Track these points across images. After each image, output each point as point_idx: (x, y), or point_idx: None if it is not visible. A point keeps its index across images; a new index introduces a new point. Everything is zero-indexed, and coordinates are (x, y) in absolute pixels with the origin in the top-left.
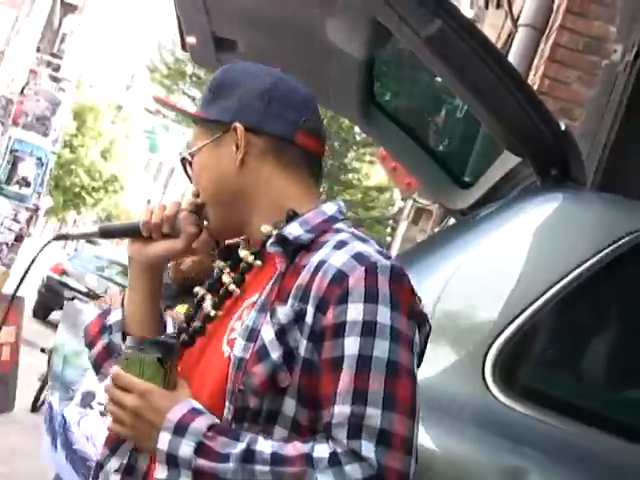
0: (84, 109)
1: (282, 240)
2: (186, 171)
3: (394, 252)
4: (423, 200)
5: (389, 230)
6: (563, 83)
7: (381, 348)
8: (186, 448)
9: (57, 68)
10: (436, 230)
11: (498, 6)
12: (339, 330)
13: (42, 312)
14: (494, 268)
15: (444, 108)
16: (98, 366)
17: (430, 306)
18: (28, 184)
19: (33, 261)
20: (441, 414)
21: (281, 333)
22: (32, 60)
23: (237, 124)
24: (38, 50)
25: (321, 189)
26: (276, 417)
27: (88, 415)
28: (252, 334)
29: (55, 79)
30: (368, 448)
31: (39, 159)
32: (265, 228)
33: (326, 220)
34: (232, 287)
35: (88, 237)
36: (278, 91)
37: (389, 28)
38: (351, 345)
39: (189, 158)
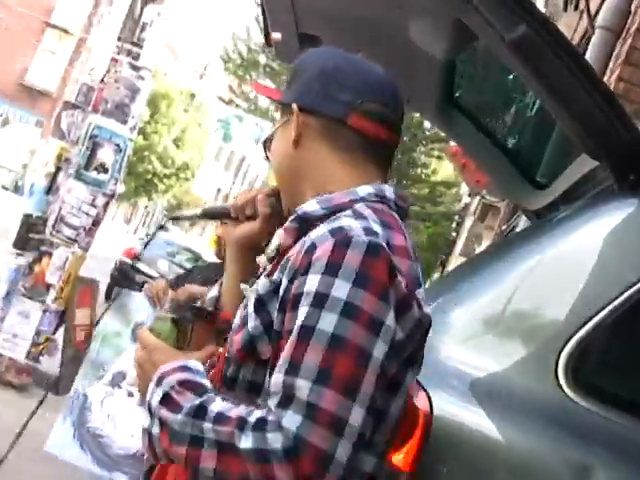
0: (157, 96)
1: (297, 217)
2: (267, 155)
3: (459, 247)
4: (491, 197)
5: (454, 225)
6: (638, 86)
7: (327, 321)
8: (156, 398)
9: (137, 57)
10: (503, 227)
11: (576, 7)
12: (296, 301)
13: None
14: (569, 271)
15: (521, 109)
16: None
17: (503, 305)
18: (106, 170)
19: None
20: (514, 410)
21: (259, 304)
22: (113, 49)
23: (293, 105)
24: (119, 39)
25: (390, 182)
26: (259, 389)
27: (114, 395)
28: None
29: (135, 67)
30: (293, 420)
31: (117, 145)
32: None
33: (352, 200)
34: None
35: (192, 219)
36: (339, 72)
37: (473, 30)
38: (300, 315)
39: (268, 143)
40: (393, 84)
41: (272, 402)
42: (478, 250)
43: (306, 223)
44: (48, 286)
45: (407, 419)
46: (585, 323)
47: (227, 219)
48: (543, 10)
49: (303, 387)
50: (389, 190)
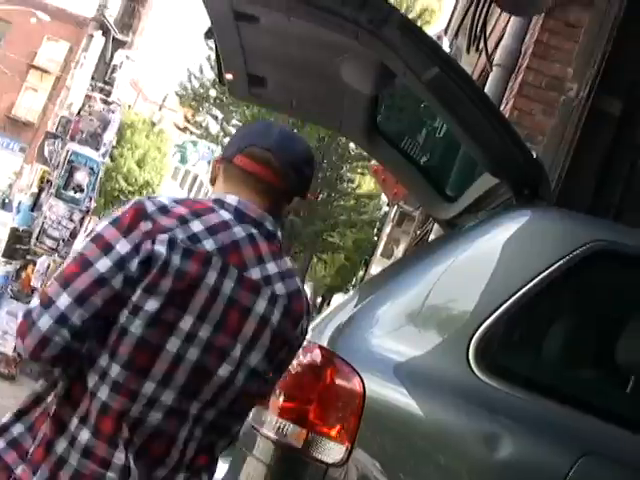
0: (123, 125)
1: None
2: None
3: (380, 249)
4: (407, 207)
5: (376, 231)
6: (529, 114)
7: (82, 244)
8: None
9: (108, 93)
10: (418, 232)
11: (477, 49)
12: None
13: None
14: (476, 271)
15: (431, 133)
16: None
17: (422, 301)
18: (82, 190)
19: None
20: (432, 389)
21: None
22: (87, 87)
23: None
24: (92, 78)
25: (321, 195)
26: None
27: None
28: None
29: (106, 102)
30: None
31: (91, 169)
32: None
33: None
34: None
35: None
36: (248, 130)
37: (395, 71)
38: None
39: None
40: (288, 139)
41: None
42: (396, 251)
43: None
44: (33, 289)
45: (344, 400)
46: (490, 314)
47: None
48: (448, 51)
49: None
50: (232, 199)
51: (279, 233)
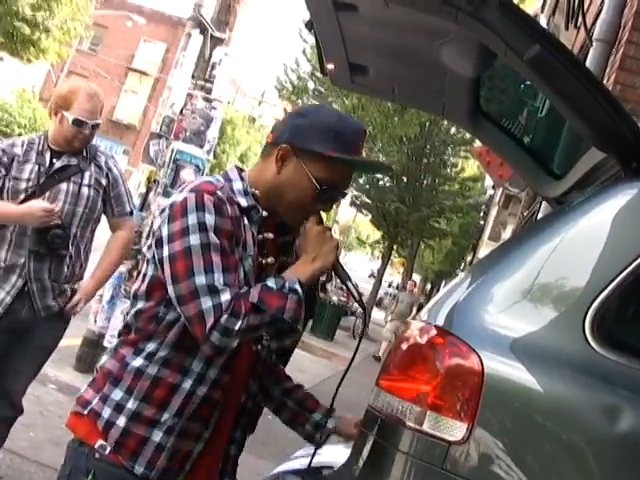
0: (224, 122)
1: None
2: None
3: (487, 232)
4: (512, 188)
5: (482, 214)
6: (631, 88)
7: None
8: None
9: (209, 91)
10: (525, 213)
11: (575, 25)
12: None
13: None
14: (588, 246)
15: (536, 114)
16: None
17: (535, 278)
18: None
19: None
20: (549, 364)
21: None
22: (189, 85)
23: None
24: (193, 77)
25: (425, 181)
26: None
27: None
28: None
29: (208, 100)
30: None
31: (197, 166)
32: None
33: None
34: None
35: None
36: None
37: (496, 52)
38: None
39: None
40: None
41: None
42: (504, 234)
43: None
44: None
45: (463, 378)
46: (605, 287)
47: None
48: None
49: None
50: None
51: None
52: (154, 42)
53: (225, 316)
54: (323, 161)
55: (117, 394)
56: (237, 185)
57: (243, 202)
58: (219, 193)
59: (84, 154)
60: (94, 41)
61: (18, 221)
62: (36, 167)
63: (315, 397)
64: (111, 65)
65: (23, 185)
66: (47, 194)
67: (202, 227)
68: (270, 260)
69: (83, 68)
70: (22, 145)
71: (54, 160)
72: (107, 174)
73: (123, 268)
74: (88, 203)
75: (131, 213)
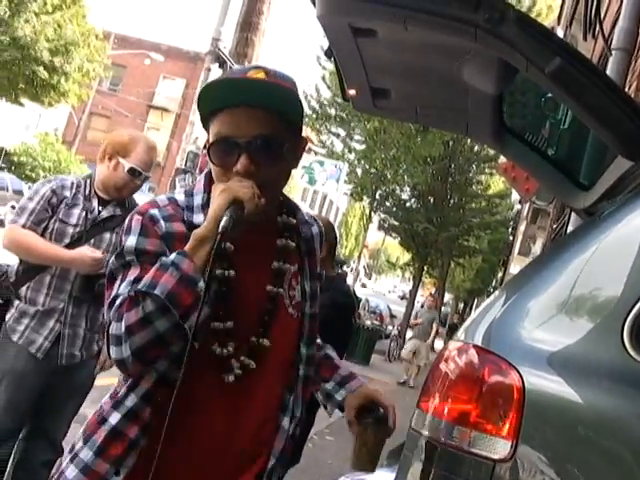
0: None
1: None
2: None
3: (517, 247)
4: (540, 202)
5: (510, 230)
6: None
7: None
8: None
9: None
10: (554, 226)
11: (593, 35)
12: None
13: None
14: (621, 255)
15: (559, 127)
16: None
17: (569, 291)
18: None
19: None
20: (588, 375)
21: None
22: None
23: None
24: None
25: (452, 200)
26: None
27: None
28: None
29: None
30: None
31: None
32: None
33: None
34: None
35: None
36: None
37: (517, 67)
38: None
39: None
40: None
41: None
42: (534, 248)
43: None
44: None
45: (504, 395)
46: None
47: None
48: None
49: None
50: None
51: None
52: (173, 78)
53: (112, 325)
54: (206, 129)
55: None
56: (197, 200)
57: (198, 219)
58: (152, 212)
59: (126, 205)
60: (114, 81)
61: (67, 265)
62: (83, 213)
63: (335, 364)
64: (132, 104)
65: (70, 230)
66: (92, 241)
67: (128, 250)
68: (231, 273)
69: (104, 108)
70: (71, 187)
71: (101, 208)
72: None
73: None
74: None
75: None
